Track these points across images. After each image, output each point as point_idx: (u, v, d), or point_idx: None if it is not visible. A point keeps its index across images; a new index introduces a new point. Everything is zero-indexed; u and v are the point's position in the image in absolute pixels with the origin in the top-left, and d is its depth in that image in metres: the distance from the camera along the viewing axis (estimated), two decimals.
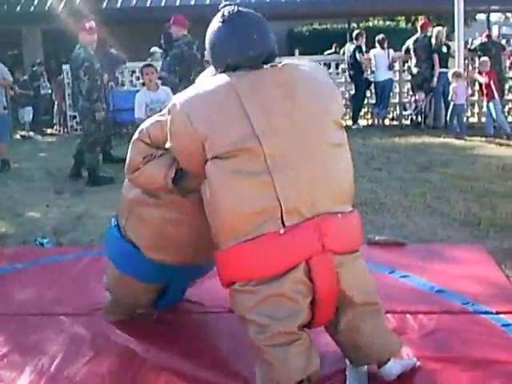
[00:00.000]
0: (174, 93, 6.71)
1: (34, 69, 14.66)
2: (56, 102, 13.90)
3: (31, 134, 13.36)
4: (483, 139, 9.98)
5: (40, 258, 4.68)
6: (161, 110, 6.14)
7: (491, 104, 10.31)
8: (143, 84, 10.83)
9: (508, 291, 3.74)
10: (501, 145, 9.53)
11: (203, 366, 3.00)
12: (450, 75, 10.51)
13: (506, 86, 11.88)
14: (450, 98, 10.45)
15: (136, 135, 2.91)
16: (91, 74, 7.50)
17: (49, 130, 13.86)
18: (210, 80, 2.69)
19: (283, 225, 2.46)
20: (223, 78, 2.61)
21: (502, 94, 10.79)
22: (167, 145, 2.71)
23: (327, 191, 2.54)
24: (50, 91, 14.55)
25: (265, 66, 2.65)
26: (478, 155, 8.72)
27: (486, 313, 3.45)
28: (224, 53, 2.66)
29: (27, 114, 13.52)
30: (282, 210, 2.45)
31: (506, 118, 11.03)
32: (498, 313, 3.43)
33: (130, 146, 2.92)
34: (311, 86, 2.65)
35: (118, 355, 3.18)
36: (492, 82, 10.25)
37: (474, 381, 2.78)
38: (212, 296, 3.53)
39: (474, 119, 12.05)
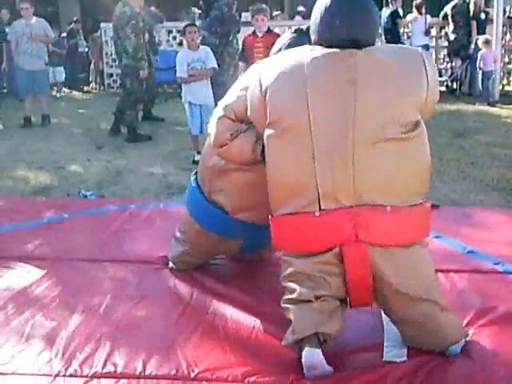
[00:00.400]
0: (214, 53, 6.83)
1: (71, 26, 14.73)
2: (93, 60, 14.05)
3: (66, 90, 13.46)
4: None
5: (85, 208, 4.88)
6: (201, 69, 6.41)
7: None
8: (179, 44, 10.97)
9: None
10: None
11: (245, 309, 3.17)
12: (479, 42, 10.43)
13: None
14: (477, 64, 10.38)
15: (221, 112, 2.98)
16: (137, 32, 7.61)
17: (85, 88, 14.04)
18: (287, 53, 2.81)
19: (320, 207, 2.54)
20: (298, 53, 2.71)
21: None
22: (248, 114, 2.83)
23: (376, 183, 2.53)
24: (86, 49, 14.68)
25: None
26: None
27: None
28: (322, 31, 2.69)
29: (59, 74, 13.18)
30: (318, 192, 2.53)
31: None
32: None
33: (215, 122, 3.01)
34: (382, 73, 2.56)
35: (163, 299, 3.36)
36: None
37: (503, 335, 2.91)
38: None
39: (510, 87, 11.97)
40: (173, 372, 2.65)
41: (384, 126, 2.51)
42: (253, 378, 2.61)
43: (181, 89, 6.98)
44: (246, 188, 3.14)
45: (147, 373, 2.66)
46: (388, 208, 2.52)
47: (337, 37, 2.62)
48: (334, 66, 2.59)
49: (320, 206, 2.54)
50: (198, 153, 6.54)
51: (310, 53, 2.66)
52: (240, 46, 7.68)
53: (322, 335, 2.57)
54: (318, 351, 2.55)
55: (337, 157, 2.51)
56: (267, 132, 2.68)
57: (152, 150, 7.23)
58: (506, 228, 4.30)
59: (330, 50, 2.62)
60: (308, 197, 2.56)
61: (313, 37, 2.74)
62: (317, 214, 2.55)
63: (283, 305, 2.69)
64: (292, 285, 2.65)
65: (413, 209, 2.59)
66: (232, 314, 3.15)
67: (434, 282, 2.75)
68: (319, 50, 2.65)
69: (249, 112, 2.81)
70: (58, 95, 12.90)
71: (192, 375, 2.63)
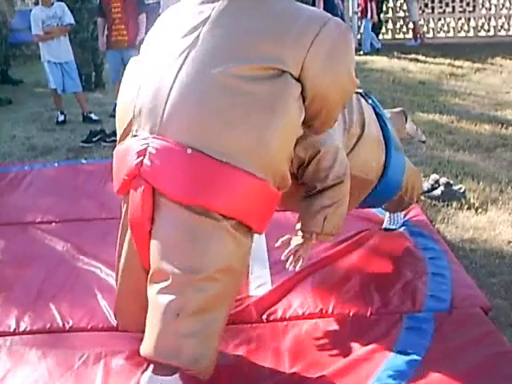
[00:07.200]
0: (72, 9, 6.64)
1: None
2: None
3: None
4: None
5: None
6: (58, 25, 6.21)
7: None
8: (36, 3, 10.55)
9: None
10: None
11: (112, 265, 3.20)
12: None
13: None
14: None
15: None
16: None
17: None
18: None
19: (134, 135, 2.13)
20: None
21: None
22: None
23: (186, 117, 2.01)
24: None
25: None
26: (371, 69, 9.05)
27: None
28: None
29: None
30: (134, 116, 2.13)
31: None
32: None
33: None
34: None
35: (33, 259, 3.30)
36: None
37: None
38: None
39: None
40: (47, 326, 2.67)
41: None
42: None
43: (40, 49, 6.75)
44: None
45: (21, 329, 2.65)
46: (189, 151, 1.98)
47: None
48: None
49: (134, 132, 2.13)
50: (62, 113, 6.41)
51: None
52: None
53: None
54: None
55: (155, 77, 2.11)
56: None
57: (13, 113, 7.00)
58: None
59: None
60: (127, 120, 2.21)
61: None
62: (123, 143, 2.18)
63: None
64: None
65: (221, 166, 1.99)
66: (101, 268, 3.16)
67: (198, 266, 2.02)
68: None
69: None
70: None
71: (67, 327, 2.66)
